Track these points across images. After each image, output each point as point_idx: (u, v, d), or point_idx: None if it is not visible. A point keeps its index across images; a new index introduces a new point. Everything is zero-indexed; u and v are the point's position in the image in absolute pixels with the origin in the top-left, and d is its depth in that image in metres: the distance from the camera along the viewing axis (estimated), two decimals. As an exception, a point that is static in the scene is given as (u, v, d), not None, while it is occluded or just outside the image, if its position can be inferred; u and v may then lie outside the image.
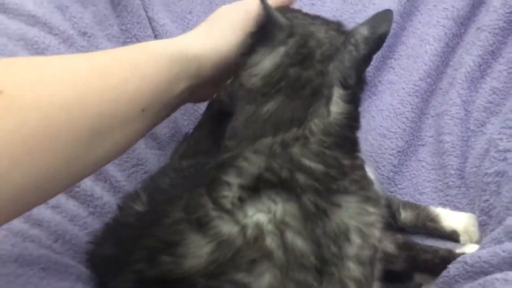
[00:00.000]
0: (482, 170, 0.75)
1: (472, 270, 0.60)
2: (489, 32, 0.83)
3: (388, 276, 0.62)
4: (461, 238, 0.76)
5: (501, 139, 0.73)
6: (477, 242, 0.74)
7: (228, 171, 0.53)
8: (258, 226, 0.49)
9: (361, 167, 0.58)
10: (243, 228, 0.49)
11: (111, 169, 0.77)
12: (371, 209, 0.55)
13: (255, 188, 0.52)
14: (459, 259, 0.63)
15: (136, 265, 0.51)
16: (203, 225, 0.50)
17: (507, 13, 0.82)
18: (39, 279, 0.52)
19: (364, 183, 0.56)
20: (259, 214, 0.50)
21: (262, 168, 0.52)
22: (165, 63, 0.55)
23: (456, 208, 0.80)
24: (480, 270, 0.59)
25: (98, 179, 0.75)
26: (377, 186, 0.62)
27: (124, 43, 0.87)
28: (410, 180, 0.86)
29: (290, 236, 0.50)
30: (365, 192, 0.55)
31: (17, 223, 0.57)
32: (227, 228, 0.49)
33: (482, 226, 0.73)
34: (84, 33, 0.79)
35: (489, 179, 0.72)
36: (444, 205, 0.81)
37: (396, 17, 0.92)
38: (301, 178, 0.52)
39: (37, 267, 0.54)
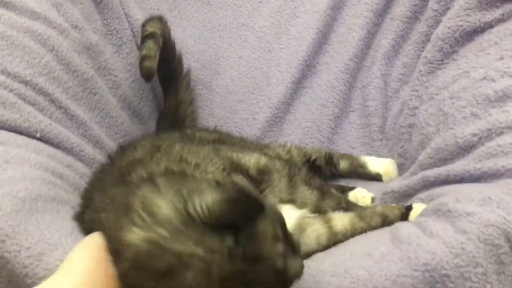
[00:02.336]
0: (398, 125, 0.99)
1: (398, 195, 0.83)
2: (400, 21, 1.06)
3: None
4: (383, 178, 1.00)
5: (411, 100, 0.96)
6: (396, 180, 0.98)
7: None
8: None
9: None
10: None
11: (105, 138, 0.95)
12: None
13: None
14: (387, 189, 0.86)
15: None
16: None
17: (412, 5, 1.05)
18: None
19: None
20: None
21: None
22: None
23: (379, 156, 1.04)
24: (404, 194, 0.82)
25: (96, 147, 0.92)
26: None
27: (106, 35, 1.04)
28: (344, 138, 1.10)
29: None
30: None
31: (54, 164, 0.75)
32: None
33: (400, 166, 0.97)
34: (76, 26, 0.95)
35: (403, 130, 0.96)
36: (370, 154, 1.05)
37: (328, 10, 1.14)
38: None
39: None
